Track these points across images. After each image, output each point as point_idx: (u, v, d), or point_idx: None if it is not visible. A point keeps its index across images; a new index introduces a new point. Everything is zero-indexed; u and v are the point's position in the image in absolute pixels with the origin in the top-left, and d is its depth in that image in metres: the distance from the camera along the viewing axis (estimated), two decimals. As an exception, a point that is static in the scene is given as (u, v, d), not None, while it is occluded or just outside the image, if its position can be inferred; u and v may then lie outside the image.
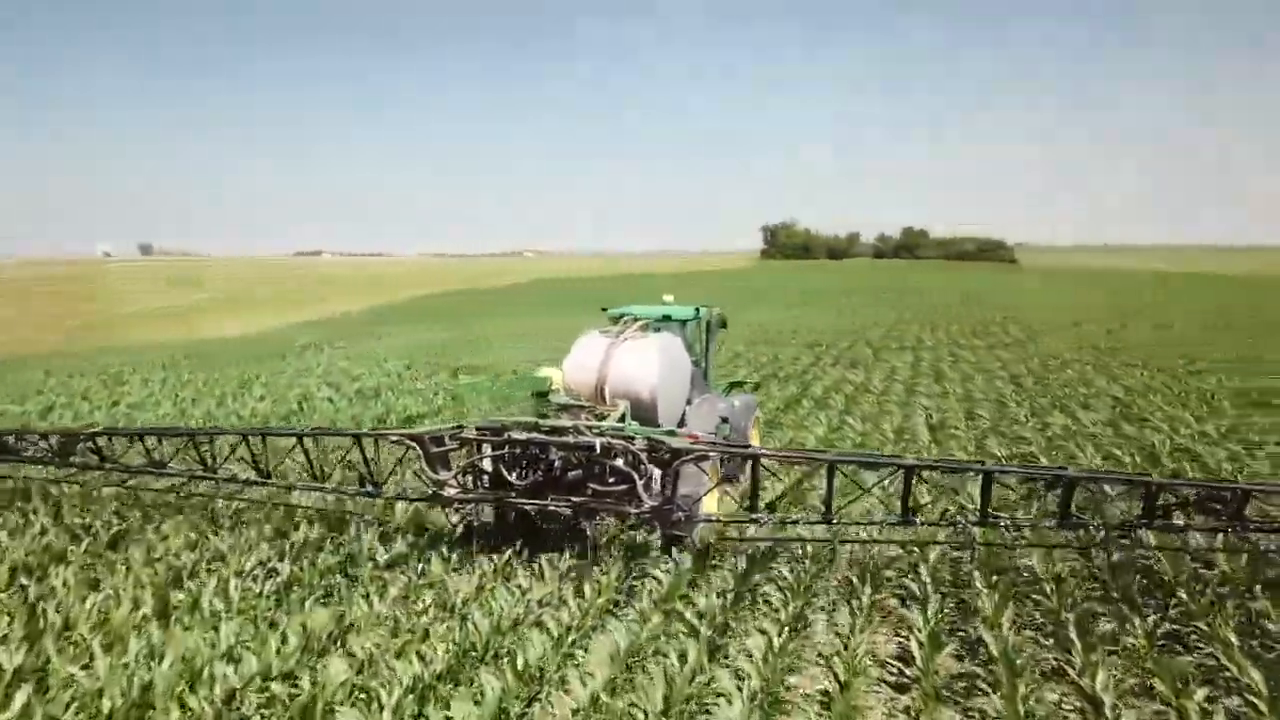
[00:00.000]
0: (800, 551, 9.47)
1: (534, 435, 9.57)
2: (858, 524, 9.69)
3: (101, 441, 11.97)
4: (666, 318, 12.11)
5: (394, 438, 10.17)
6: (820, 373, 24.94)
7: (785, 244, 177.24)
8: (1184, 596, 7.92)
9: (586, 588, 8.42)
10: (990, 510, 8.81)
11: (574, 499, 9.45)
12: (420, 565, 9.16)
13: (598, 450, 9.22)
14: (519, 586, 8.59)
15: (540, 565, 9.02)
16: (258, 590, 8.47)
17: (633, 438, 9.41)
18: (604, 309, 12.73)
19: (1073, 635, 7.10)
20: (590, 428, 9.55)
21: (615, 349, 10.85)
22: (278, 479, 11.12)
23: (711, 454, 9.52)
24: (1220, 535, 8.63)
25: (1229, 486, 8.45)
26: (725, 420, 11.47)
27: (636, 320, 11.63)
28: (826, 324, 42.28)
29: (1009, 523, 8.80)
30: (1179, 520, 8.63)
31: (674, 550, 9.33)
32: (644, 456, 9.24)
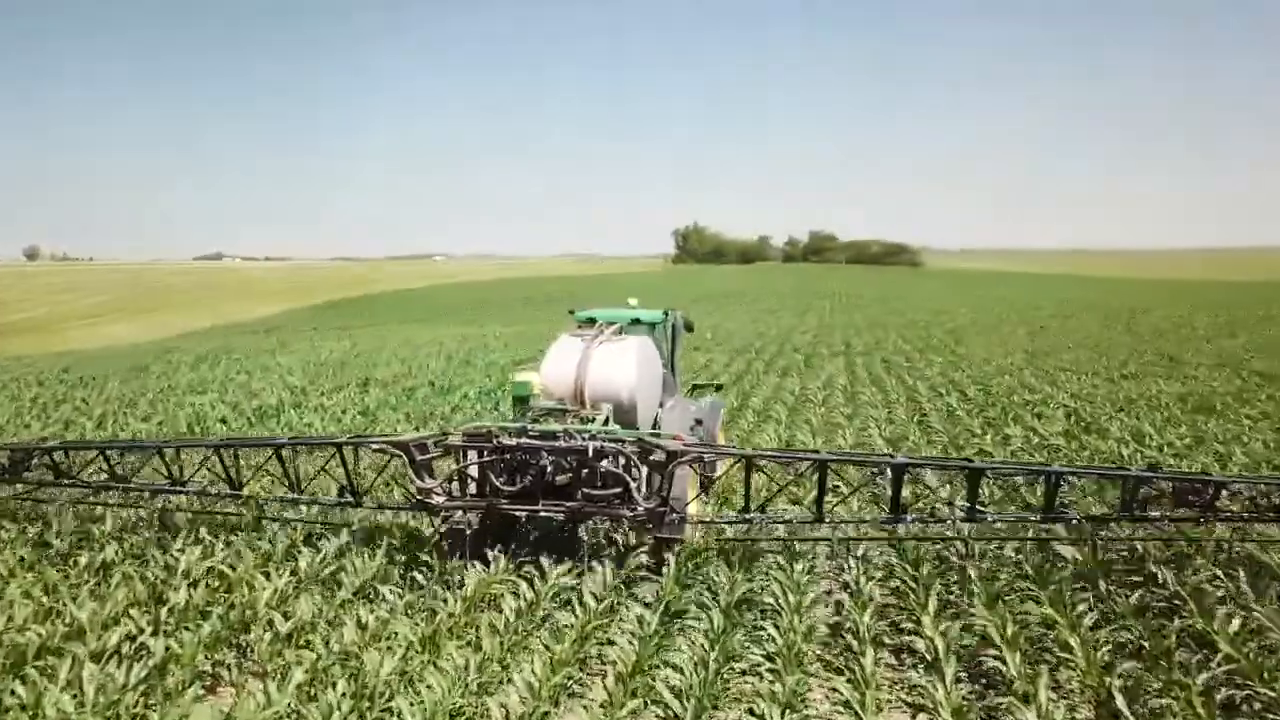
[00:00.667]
0: (794, 550, 9.31)
1: (523, 440, 9.41)
2: (848, 522, 9.82)
3: (58, 456, 11.18)
4: (636, 321, 12.06)
5: (376, 445, 10.06)
6: (756, 380, 23.99)
7: (696, 247, 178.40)
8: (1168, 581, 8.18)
9: (587, 593, 8.19)
10: (977, 506, 9.21)
11: (567, 504, 9.38)
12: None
13: (590, 454, 9.16)
14: (517, 594, 8.22)
15: (529, 572, 8.72)
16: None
17: (624, 440, 9.37)
18: (571, 311, 12.66)
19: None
20: (579, 431, 9.48)
21: (592, 352, 10.80)
22: (249, 492, 10.74)
23: (706, 456, 9.60)
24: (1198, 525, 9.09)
25: (1203, 479, 9.07)
26: (699, 423, 11.46)
27: (611, 324, 11.60)
28: (751, 328, 41.55)
29: (996, 518, 9.36)
30: (1155, 512, 9.06)
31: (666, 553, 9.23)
32: (636, 459, 9.24)
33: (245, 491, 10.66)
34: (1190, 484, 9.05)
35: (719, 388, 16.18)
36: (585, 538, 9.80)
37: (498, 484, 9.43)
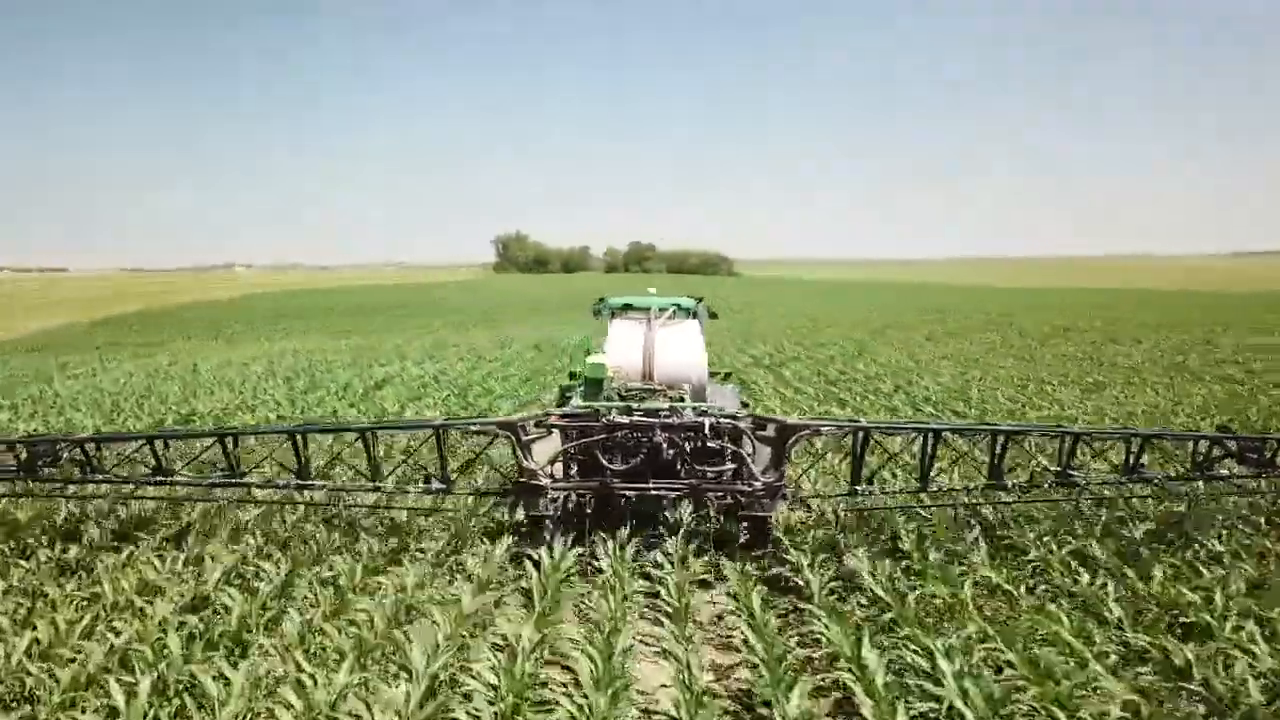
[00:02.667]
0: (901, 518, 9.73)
1: (634, 418, 9.34)
2: (954, 490, 10.16)
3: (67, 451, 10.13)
4: (677, 306, 12.35)
5: (477, 427, 9.88)
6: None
7: (518, 256, 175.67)
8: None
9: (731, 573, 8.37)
10: (1069, 470, 9.90)
11: (682, 483, 9.33)
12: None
13: (707, 430, 9.17)
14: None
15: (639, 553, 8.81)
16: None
17: (736, 416, 9.50)
18: (601, 299, 13.14)
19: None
20: (685, 409, 9.59)
21: (656, 335, 11.28)
22: (321, 480, 10.28)
23: (823, 430, 9.82)
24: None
25: (1261, 438, 10.25)
26: (746, 405, 11.70)
27: (663, 309, 12.19)
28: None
29: (1087, 480, 9.96)
30: (1223, 470, 10.31)
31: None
32: (749, 435, 9.33)
33: (318, 481, 10.15)
34: (1249, 443, 10.19)
35: (727, 376, 15.73)
36: (684, 517, 9.31)
37: (606, 464, 9.28)
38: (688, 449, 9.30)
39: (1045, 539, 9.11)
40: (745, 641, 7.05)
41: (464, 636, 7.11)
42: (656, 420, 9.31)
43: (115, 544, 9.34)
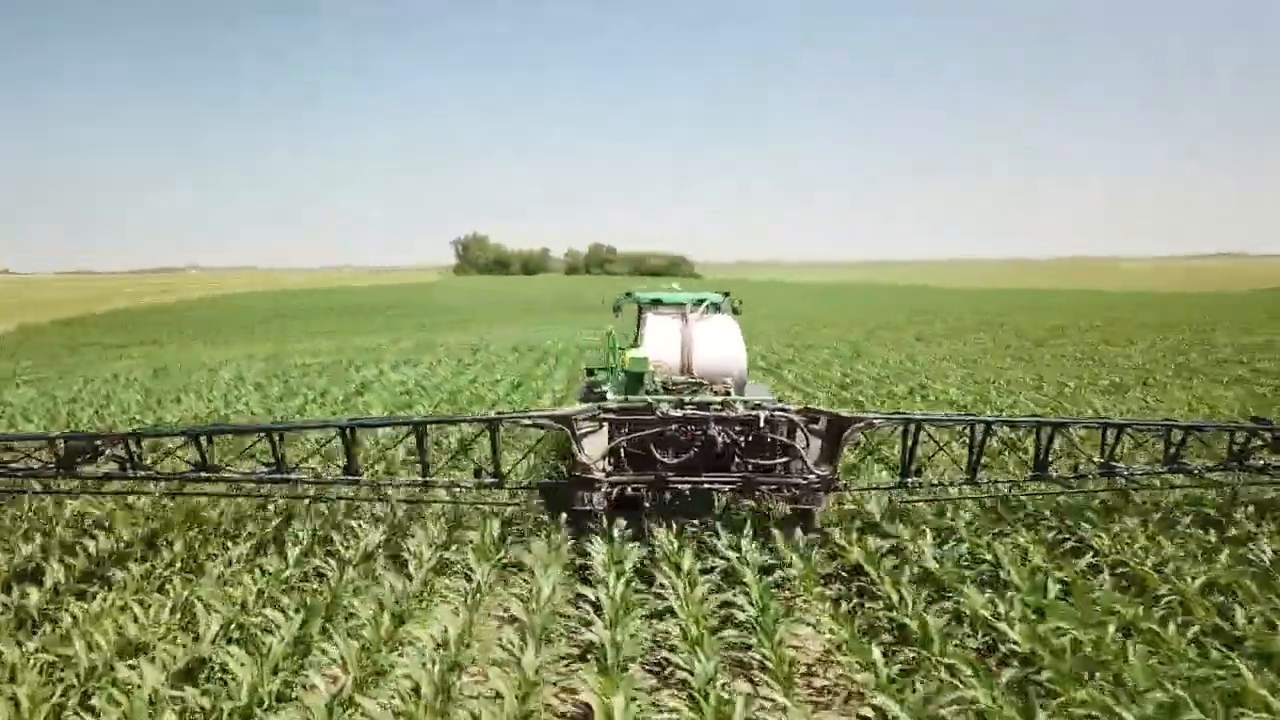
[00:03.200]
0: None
1: (688, 411, 9.33)
2: (997, 481, 10.41)
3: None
4: (706, 302, 12.27)
5: (529, 421, 9.75)
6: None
7: (478, 258, 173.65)
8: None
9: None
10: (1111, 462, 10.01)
11: (736, 476, 9.34)
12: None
13: (762, 423, 9.22)
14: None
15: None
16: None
17: (789, 409, 9.51)
18: (628, 293, 13.19)
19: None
20: (735, 402, 9.69)
21: (692, 329, 11.33)
22: (370, 476, 10.31)
23: (876, 422, 10.01)
24: None
25: None
26: (780, 399, 11.65)
27: (698, 303, 12.01)
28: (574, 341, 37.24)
29: (1130, 471, 10.23)
30: (1260, 461, 10.40)
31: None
32: (803, 427, 9.39)
33: (366, 476, 9.98)
34: None
35: None
36: (732, 508, 9.68)
37: (659, 457, 9.24)
38: (740, 443, 9.34)
39: (1174, 567, 8.05)
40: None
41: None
42: (711, 413, 9.31)
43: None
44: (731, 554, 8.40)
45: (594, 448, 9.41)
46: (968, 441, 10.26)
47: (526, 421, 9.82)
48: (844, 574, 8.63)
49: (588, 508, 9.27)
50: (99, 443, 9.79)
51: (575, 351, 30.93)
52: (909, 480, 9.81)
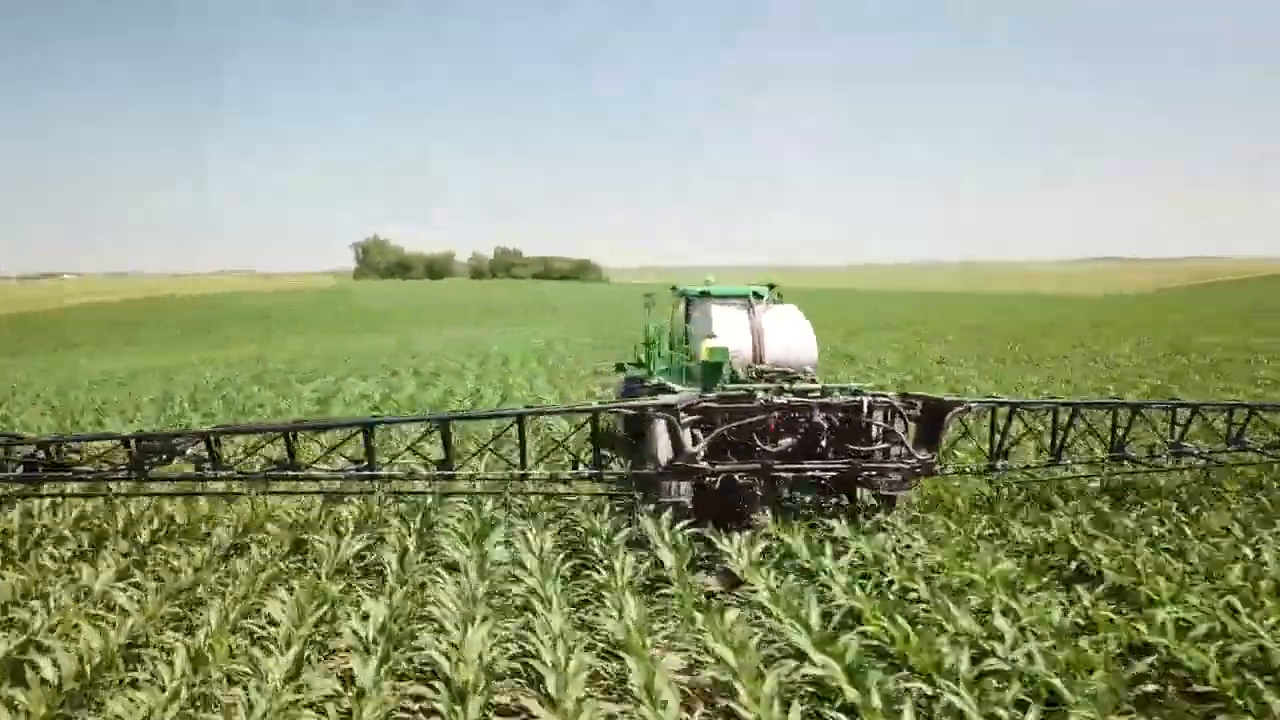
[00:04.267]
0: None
1: (792, 399, 9.38)
2: (1077, 463, 10.91)
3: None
4: (756, 294, 12.29)
5: (632, 410, 9.69)
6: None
7: (378, 262, 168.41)
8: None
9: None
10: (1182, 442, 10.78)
11: (840, 462, 9.33)
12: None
13: (865, 409, 9.29)
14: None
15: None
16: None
17: (888, 395, 9.72)
18: (673, 287, 13.45)
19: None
20: (834, 389, 9.77)
21: (760, 320, 11.44)
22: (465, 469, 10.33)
23: (974, 405, 10.20)
24: None
25: None
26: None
27: (760, 296, 12.12)
28: (521, 346, 35.19)
29: (1197, 451, 10.85)
30: None
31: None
32: (902, 412, 9.53)
33: (460, 471, 9.96)
34: None
35: None
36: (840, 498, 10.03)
37: (762, 446, 9.26)
38: (843, 430, 9.48)
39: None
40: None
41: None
42: (815, 400, 9.36)
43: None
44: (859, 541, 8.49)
45: (662, 439, 9.43)
46: (1013, 426, 10.55)
47: (631, 410, 9.69)
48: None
49: (677, 499, 9.26)
50: (176, 442, 9.44)
51: (536, 356, 28.98)
52: (999, 463, 10.13)
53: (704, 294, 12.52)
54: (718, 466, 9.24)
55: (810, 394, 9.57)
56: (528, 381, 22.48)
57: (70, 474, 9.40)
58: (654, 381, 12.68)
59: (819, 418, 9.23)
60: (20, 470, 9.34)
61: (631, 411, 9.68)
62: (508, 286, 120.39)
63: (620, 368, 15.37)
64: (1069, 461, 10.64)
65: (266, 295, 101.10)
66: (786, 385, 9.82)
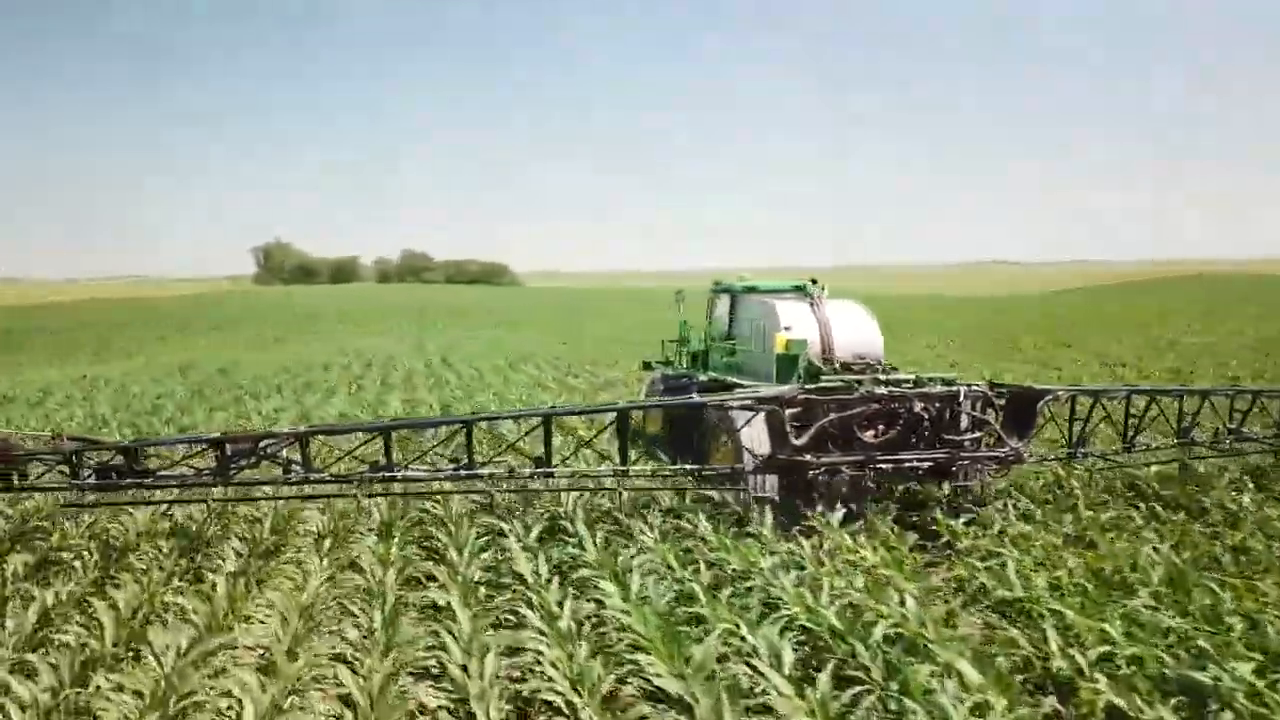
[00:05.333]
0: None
1: (892, 389, 9.49)
2: (1150, 449, 11.15)
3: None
4: (799, 288, 12.39)
5: (739, 404, 9.55)
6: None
7: (281, 266, 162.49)
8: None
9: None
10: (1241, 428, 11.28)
11: (940, 453, 9.46)
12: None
13: (961, 400, 9.43)
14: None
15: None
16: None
17: (980, 385, 9.92)
18: (717, 282, 13.54)
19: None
20: (924, 379, 9.86)
21: (823, 313, 11.41)
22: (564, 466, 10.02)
23: (1060, 394, 10.54)
24: None
25: None
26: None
27: (817, 289, 12.02)
28: (501, 350, 34.61)
29: (1256, 436, 11.37)
30: None
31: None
32: (995, 402, 9.75)
33: (559, 467, 9.73)
34: None
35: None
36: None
37: (864, 437, 9.35)
38: (939, 420, 9.61)
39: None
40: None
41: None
42: (914, 391, 9.49)
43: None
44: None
45: (752, 433, 9.46)
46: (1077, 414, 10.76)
47: (735, 404, 9.60)
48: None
49: (768, 494, 9.37)
50: (266, 444, 9.15)
51: (504, 366, 28.42)
52: (1078, 451, 10.40)
53: (751, 289, 12.61)
54: (823, 459, 9.22)
55: (905, 384, 9.69)
56: (534, 383, 22.15)
57: (150, 480, 9.06)
58: (703, 378, 12.71)
59: (918, 408, 9.39)
60: (93, 478, 8.93)
61: (737, 405, 9.59)
62: (415, 291, 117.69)
63: (648, 366, 15.39)
64: (1146, 446, 11.06)
65: (167, 301, 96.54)
66: (883, 376, 9.88)
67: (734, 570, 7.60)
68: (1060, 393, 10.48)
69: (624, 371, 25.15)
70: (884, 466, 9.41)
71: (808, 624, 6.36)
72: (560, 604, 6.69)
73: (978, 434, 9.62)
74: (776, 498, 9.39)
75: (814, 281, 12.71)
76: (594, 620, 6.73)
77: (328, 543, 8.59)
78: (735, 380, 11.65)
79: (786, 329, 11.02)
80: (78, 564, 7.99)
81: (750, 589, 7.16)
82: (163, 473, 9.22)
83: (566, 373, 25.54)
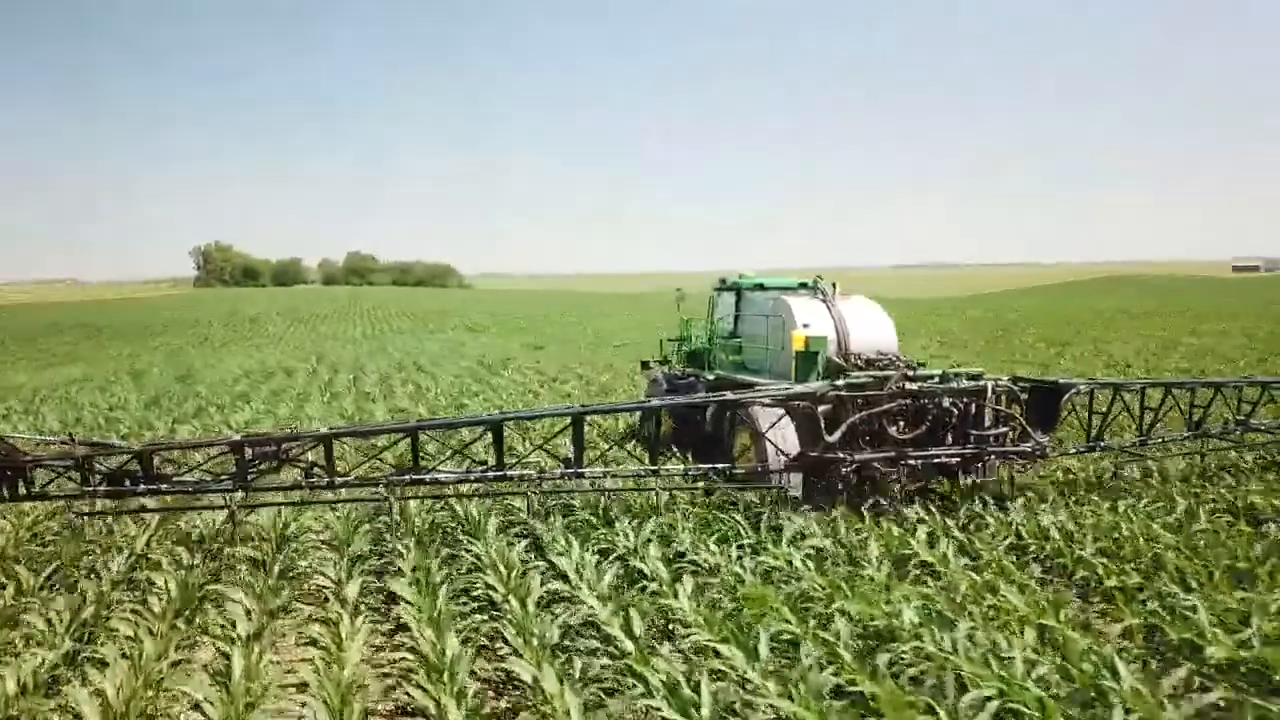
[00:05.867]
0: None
1: (923, 385, 9.42)
2: (1167, 441, 11.25)
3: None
4: (804, 284, 12.58)
5: (771, 400, 9.41)
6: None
7: (222, 268, 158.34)
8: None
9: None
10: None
11: (970, 448, 9.46)
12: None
13: (990, 394, 9.49)
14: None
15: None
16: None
17: (1004, 380, 9.87)
18: (723, 279, 13.41)
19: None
20: (951, 375, 9.76)
21: (838, 309, 11.35)
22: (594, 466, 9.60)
23: (1081, 388, 10.50)
24: None
25: None
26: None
27: (823, 285, 12.24)
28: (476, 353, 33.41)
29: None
30: None
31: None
32: (1020, 397, 9.76)
33: (588, 470, 9.28)
34: None
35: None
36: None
37: (893, 433, 9.27)
38: (966, 415, 9.58)
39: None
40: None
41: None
42: (944, 386, 9.44)
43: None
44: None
45: (782, 431, 9.43)
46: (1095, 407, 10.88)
47: (767, 400, 9.44)
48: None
49: (794, 491, 9.39)
50: (288, 446, 8.69)
51: (482, 370, 27.26)
52: (1099, 443, 10.46)
53: (759, 286, 12.56)
54: (856, 456, 9.15)
55: (931, 379, 9.65)
56: (524, 389, 21.30)
57: (167, 485, 8.65)
58: (710, 377, 12.52)
59: (948, 403, 9.36)
60: (104, 484, 8.40)
61: (769, 401, 9.48)
62: (361, 294, 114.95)
63: (646, 365, 15.25)
64: (1164, 438, 11.19)
65: (99, 306, 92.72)
66: (910, 373, 9.75)
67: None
68: (1082, 386, 10.53)
69: (613, 375, 24.24)
70: (914, 463, 9.35)
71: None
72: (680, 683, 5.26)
73: (1004, 429, 9.58)
74: (799, 495, 9.40)
75: (819, 279, 12.65)
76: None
77: (356, 586, 7.22)
78: (748, 378, 11.46)
79: (805, 325, 10.89)
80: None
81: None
82: (179, 477, 8.80)
83: (554, 377, 24.44)
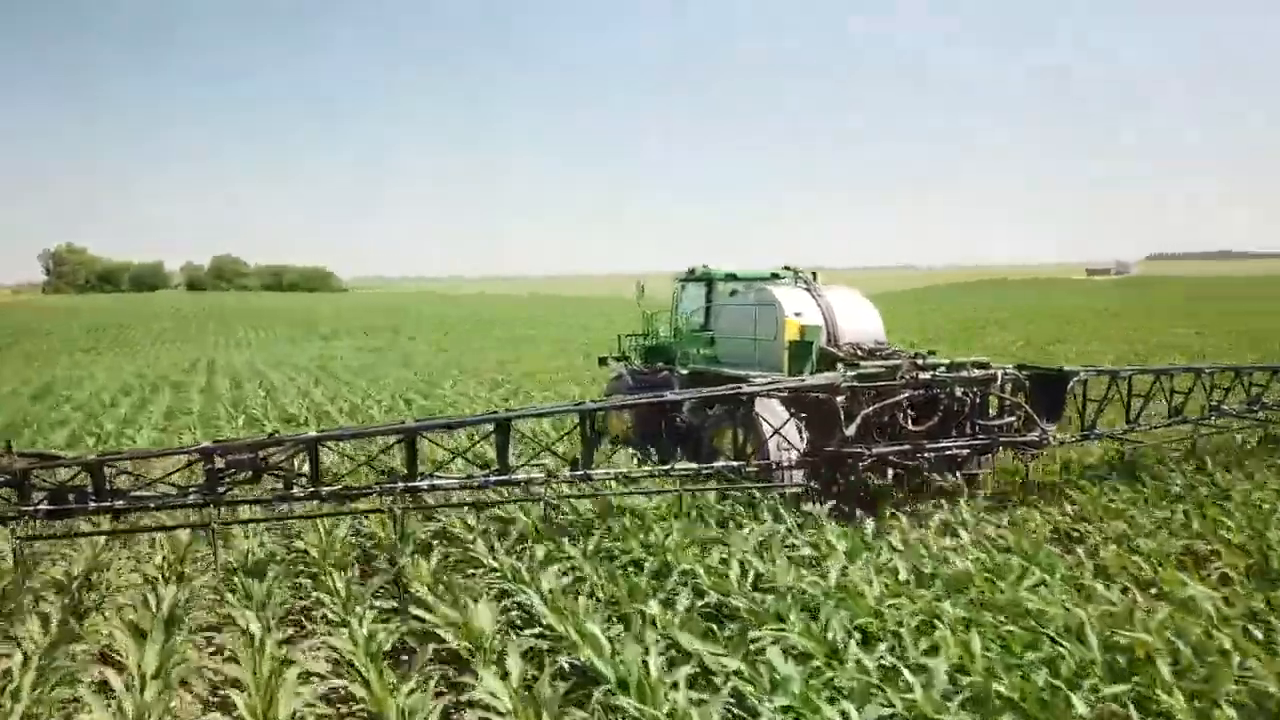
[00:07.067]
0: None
1: (935, 375, 9.24)
2: (1158, 427, 11.18)
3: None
4: (776, 275, 12.38)
5: (785, 393, 9.01)
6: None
7: (76, 273, 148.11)
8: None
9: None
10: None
11: (982, 439, 9.39)
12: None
13: (999, 383, 9.38)
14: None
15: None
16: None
17: (1011, 368, 9.90)
18: (691, 269, 13.10)
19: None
20: (959, 364, 9.59)
21: (825, 300, 11.21)
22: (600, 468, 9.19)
23: (1084, 376, 10.43)
24: None
25: None
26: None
27: (804, 275, 12.12)
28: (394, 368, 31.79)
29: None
30: None
31: None
32: (1026, 386, 9.75)
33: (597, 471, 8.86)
34: None
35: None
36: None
37: (905, 424, 9.09)
38: (976, 404, 9.51)
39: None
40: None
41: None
42: (955, 376, 9.29)
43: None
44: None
45: (791, 425, 9.14)
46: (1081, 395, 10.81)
47: (781, 393, 9.06)
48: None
49: (799, 486, 9.17)
50: (266, 453, 7.80)
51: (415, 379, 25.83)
52: (1091, 432, 10.46)
53: (733, 276, 12.33)
54: (874, 449, 8.88)
55: (939, 369, 9.49)
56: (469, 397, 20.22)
57: (123, 503, 7.55)
58: (684, 372, 12.18)
59: (959, 393, 9.24)
60: (45, 503, 7.27)
61: (785, 393, 9.05)
62: (234, 299, 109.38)
63: (603, 361, 14.93)
64: (1157, 424, 11.28)
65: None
66: (920, 362, 9.58)
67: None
68: (1084, 375, 10.51)
69: (565, 377, 23.47)
70: (929, 455, 9.18)
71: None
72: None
73: (1010, 418, 9.51)
74: (806, 490, 9.15)
75: (790, 269, 12.46)
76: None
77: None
78: (732, 372, 10.95)
79: (797, 315, 10.69)
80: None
81: None
82: (137, 493, 7.74)
83: (511, 383, 23.30)
